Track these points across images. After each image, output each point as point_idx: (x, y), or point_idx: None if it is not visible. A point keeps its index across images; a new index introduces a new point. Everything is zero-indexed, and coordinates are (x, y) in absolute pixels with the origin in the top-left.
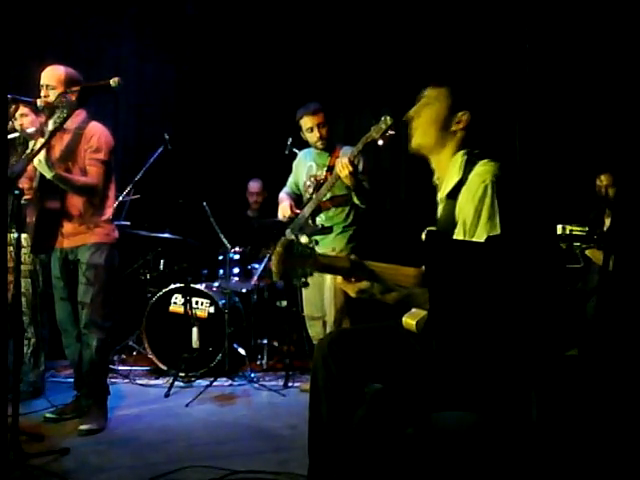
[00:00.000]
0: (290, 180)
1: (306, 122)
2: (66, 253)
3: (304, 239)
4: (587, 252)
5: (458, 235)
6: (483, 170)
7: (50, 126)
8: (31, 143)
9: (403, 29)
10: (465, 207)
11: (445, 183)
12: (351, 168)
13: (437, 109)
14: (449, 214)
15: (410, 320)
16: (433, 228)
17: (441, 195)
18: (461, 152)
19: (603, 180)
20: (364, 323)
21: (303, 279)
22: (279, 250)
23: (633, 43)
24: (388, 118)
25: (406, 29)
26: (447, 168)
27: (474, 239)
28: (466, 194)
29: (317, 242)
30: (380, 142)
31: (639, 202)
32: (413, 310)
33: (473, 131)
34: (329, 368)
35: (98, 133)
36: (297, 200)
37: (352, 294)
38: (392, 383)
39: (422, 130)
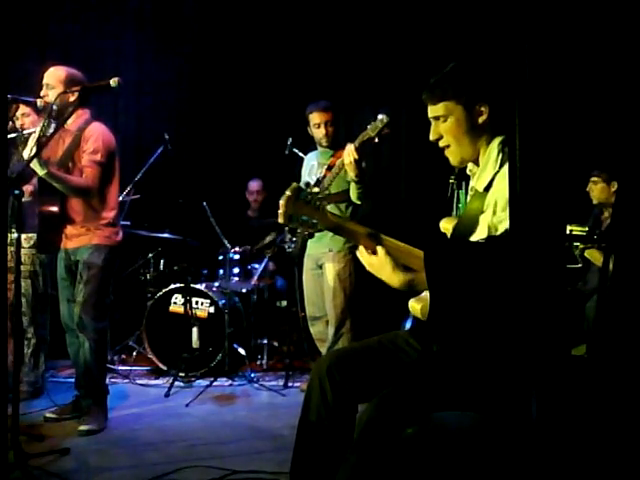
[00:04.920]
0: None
1: (314, 118)
2: (69, 254)
3: (316, 189)
4: (586, 253)
5: (483, 221)
6: None
7: (51, 129)
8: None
9: (403, 28)
10: (499, 193)
11: (479, 176)
12: (357, 155)
13: (455, 120)
14: (479, 205)
15: (416, 305)
16: (452, 219)
17: (475, 185)
18: (497, 141)
19: (597, 180)
20: (366, 326)
21: (309, 229)
22: (287, 193)
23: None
24: (384, 117)
25: (406, 28)
26: (482, 158)
27: (502, 224)
28: (503, 182)
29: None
30: (376, 140)
31: (639, 202)
32: (422, 295)
33: (498, 113)
34: (325, 394)
35: (96, 134)
36: None
37: (366, 265)
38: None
39: (455, 146)
